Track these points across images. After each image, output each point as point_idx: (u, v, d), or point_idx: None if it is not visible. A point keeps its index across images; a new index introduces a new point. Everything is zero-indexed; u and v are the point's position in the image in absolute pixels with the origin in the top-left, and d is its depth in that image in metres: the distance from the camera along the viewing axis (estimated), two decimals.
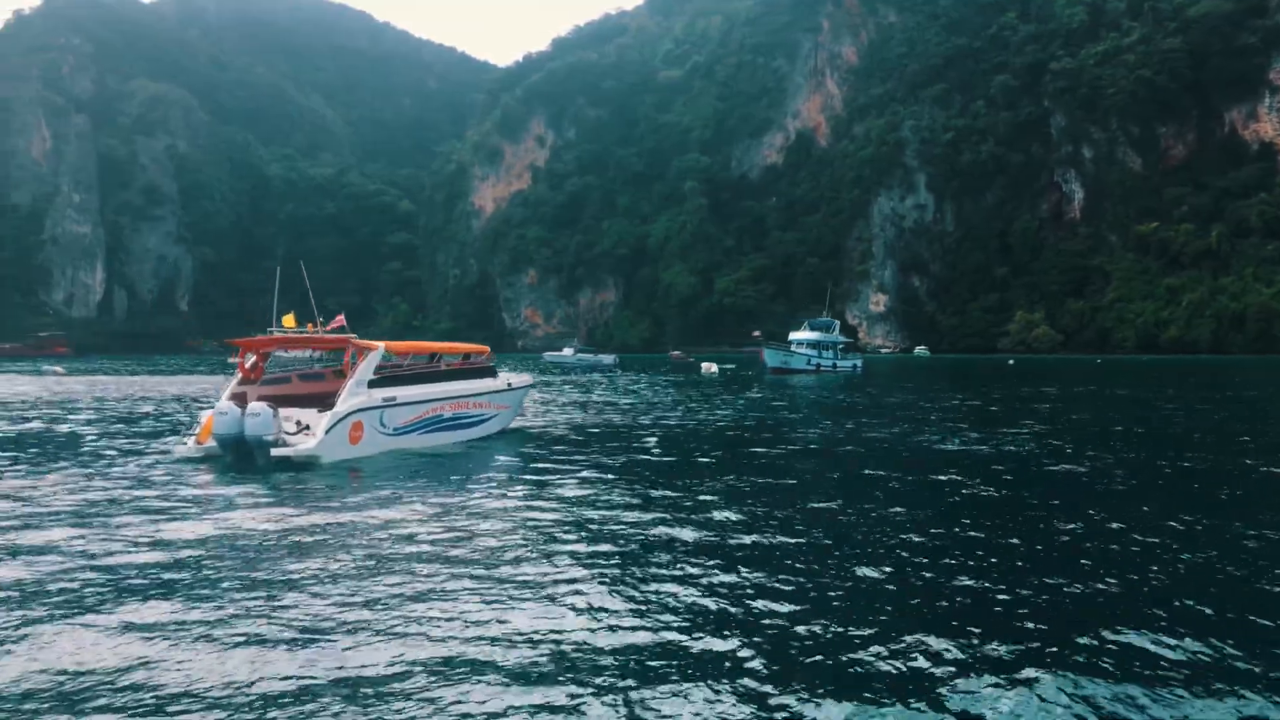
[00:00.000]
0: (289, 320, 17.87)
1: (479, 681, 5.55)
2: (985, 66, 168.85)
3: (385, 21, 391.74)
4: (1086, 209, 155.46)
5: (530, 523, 10.40)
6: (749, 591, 7.50)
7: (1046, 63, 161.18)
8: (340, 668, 5.75)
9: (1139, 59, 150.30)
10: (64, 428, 22.50)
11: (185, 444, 16.09)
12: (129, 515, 10.63)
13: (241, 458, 14.75)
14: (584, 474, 14.32)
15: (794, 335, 70.53)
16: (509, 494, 12.46)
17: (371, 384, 16.54)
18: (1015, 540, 9.51)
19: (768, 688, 5.50)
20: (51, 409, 29.18)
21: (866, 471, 14.93)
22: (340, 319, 18.31)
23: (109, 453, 16.94)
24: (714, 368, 66.26)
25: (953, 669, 5.75)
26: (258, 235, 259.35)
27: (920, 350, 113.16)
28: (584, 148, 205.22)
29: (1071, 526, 10.14)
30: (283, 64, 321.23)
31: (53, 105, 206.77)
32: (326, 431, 15.24)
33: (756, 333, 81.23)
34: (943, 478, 14.06)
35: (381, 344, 17.16)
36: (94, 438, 19.89)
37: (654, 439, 20.02)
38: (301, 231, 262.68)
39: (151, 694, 5.37)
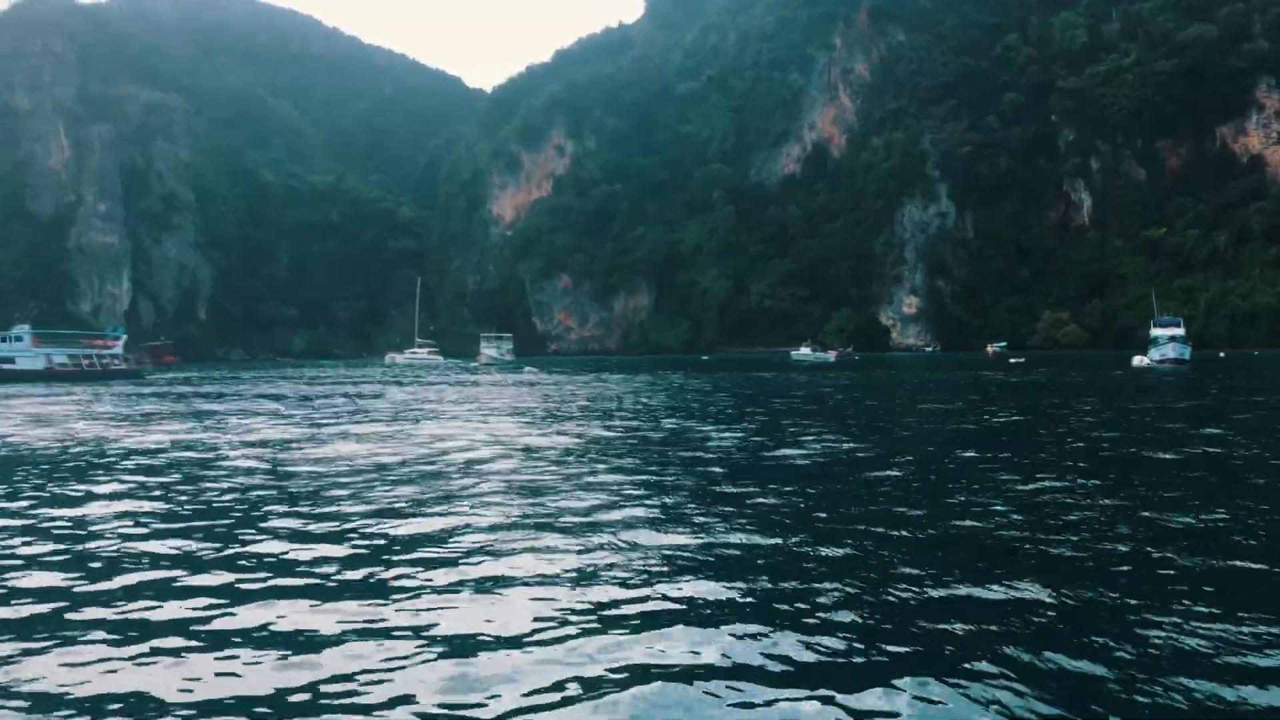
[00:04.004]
0: None
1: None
2: (994, 84, 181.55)
3: (334, 26, 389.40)
4: (1094, 217, 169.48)
5: None
6: None
7: (1052, 81, 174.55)
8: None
9: (1138, 79, 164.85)
10: None
11: None
12: None
13: None
14: None
15: (1158, 331, 75.92)
16: None
17: None
18: None
19: None
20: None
21: None
22: None
23: None
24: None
25: None
26: (260, 241, 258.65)
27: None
28: (607, 156, 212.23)
29: None
30: (243, 68, 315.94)
31: (72, 113, 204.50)
32: None
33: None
34: None
35: None
36: None
37: None
38: (305, 238, 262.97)
39: None
